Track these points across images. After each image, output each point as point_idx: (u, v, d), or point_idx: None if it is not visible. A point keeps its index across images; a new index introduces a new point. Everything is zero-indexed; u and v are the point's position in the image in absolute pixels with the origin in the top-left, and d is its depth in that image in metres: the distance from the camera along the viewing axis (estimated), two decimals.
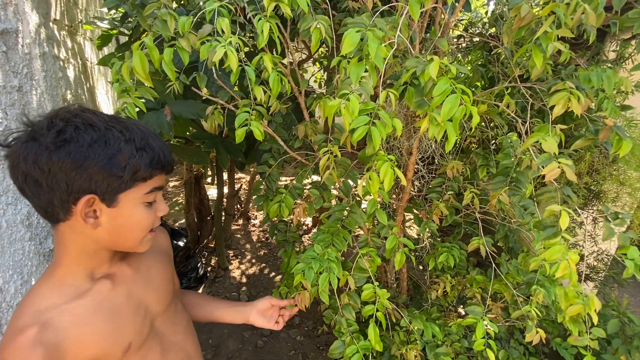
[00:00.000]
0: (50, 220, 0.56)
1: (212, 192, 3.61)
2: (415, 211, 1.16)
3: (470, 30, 1.63)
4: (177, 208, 3.85)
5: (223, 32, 0.70)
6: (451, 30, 0.99)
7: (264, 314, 0.88)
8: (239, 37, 0.73)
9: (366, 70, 0.66)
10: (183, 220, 3.34)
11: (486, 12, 1.72)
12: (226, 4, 0.74)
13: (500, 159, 0.97)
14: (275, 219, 1.09)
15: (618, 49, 1.39)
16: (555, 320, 1.40)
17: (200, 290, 2.59)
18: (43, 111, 1.55)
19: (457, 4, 1.05)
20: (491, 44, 1.31)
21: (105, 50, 2.45)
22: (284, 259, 1.11)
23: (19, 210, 0.99)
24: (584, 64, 1.36)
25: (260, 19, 0.76)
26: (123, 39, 2.61)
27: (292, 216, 0.98)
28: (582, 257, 2.03)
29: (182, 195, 4.16)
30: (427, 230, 1.13)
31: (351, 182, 0.98)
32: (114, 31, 2.19)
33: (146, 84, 0.70)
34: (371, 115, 0.63)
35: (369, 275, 0.84)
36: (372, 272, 0.87)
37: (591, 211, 1.83)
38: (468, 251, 1.15)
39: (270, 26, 0.76)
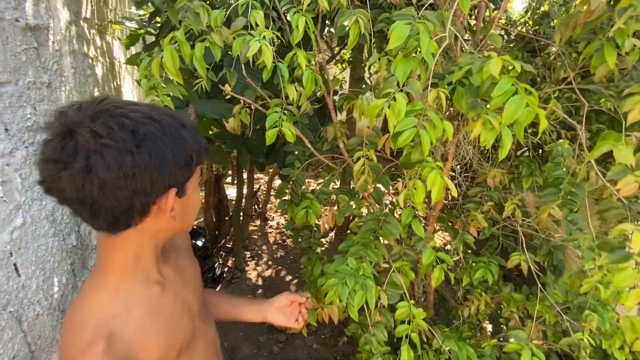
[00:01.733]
0: (119, 228, 0.52)
1: (230, 192, 3.61)
2: (449, 222, 1.08)
3: (510, 30, 1.53)
4: None
5: (257, 25, 0.65)
6: (499, 21, 0.92)
7: (283, 311, 0.84)
8: (272, 32, 0.68)
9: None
10: (201, 219, 3.35)
11: (526, 11, 1.61)
12: None
13: (549, 170, 0.88)
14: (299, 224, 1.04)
15: None
16: (597, 345, 1.27)
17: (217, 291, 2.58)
18: None
19: None
20: (535, 45, 1.21)
21: (133, 50, 2.49)
22: (307, 266, 1.06)
23: (44, 206, 0.98)
24: None
25: (295, 12, 0.71)
26: (150, 39, 2.64)
27: (318, 222, 0.93)
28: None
29: (201, 194, 4.19)
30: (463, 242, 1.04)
31: (383, 189, 0.91)
32: (142, 31, 2.21)
33: (175, 81, 0.66)
34: (419, 117, 0.57)
35: (403, 291, 0.77)
36: (406, 286, 0.80)
37: None
38: (507, 267, 1.06)
39: (305, 20, 0.71)
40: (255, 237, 3.36)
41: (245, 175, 2.89)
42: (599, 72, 0.67)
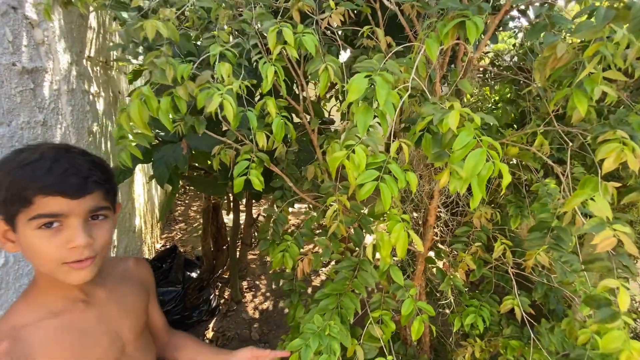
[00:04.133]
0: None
1: (231, 217, 3.59)
2: (437, 263, 1.03)
3: (498, 63, 1.53)
4: (195, 235, 3.86)
5: (223, 79, 0.66)
6: (477, 60, 0.92)
7: None
8: (242, 81, 0.69)
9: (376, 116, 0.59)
10: (199, 248, 3.32)
11: (514, 45, 1.63)
12: (230, 48, 0.70)
13: (536, 211, 0.85)
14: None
15: None
16: None
17: (211, 325, 2.49)
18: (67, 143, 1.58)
19: (483, 36, 0.97)
20: (521, 81, 1.21)
21: (138, 83, 2.58)
22: (289, 310, 1.01)
23: None
24: (627, 97, 1.22)
25: (265, 62, 0.72)
26: None
27: (297, 267, 0.89)
28: (636, 313, 1.75)
29: (202, 220, 4.19)
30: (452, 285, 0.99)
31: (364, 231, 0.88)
32: (146, 67, 2.29)
33: (144, 132, 0.66)
34: (381, 169, 0.55)
35: (381, 345, 0.72)
36: (385, 340, 0.75)
37: None
38: (500, 312, 1.00)
39: (275, 70, 0.71)
40: (254, 266, 3.30)
41: (242, 204, 2.87)
42: (574, 116, 0.66)
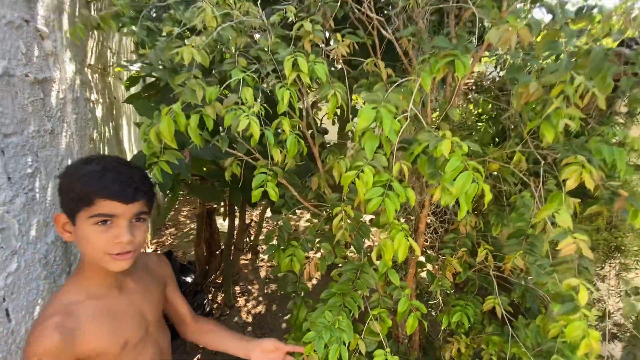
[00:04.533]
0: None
1: (222, 222, 3.64)
2: (428, 266, 1.14)
3: (480, 83, 1.68)
4: (186, 240, 3.87)
5: (247, 100, 0.75)
6: (464, 85, 1.04)
7: (268, 355, 0.90)
8: (261, 104, 0.78)
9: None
10: (192, 253, 3.34)
11: (495, 67, 1.78)
12: (250, 74, 0.80)
13: (514, 220, 0.97)
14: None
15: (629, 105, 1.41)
16: None
17: None
18: (70, 151, 1.64)
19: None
20: (502, 106, 1.35)
21: (132, 89, 2.61)
22: (293, 311, 1.10)
23: (38, 249, 1.02)
24: (594, 121, 1.38)
25: (281, 87, 0.81)
26: (149, 79, 2.78)
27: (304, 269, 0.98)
28: (608, 315, 1.92)
29: (192, 225, 4.20)
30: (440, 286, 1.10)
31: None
32: (142, 73, 2.34)
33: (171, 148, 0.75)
34: (385, 186, 0.65)
35: (380, 339, 0.82)
36: (383, 334, 0.85)
37: (614, 265, 1.75)
38: (483, 310, 1.11)
39: (290, 94, 0.81)
40: (246, 271, 3.35)
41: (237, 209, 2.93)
42: (544, 141, 0.78)
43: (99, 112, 2.23)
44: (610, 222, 1.55)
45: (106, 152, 2.27)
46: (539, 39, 0.84)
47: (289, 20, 0.91)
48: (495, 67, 1.79)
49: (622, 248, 1.72)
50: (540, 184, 0.97)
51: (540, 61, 0.79)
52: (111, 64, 2.51)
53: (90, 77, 2.07)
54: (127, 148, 2.86)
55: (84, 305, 0.71)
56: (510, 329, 1.11)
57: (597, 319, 1.80)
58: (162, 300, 0.91)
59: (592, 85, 0.68)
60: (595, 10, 0.82)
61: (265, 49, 0.86)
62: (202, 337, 0.97)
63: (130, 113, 3.12)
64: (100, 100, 2.32)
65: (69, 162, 1.54)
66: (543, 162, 1.00)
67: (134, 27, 1.02)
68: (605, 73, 0.75)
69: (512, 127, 1.34)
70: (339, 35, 0.87)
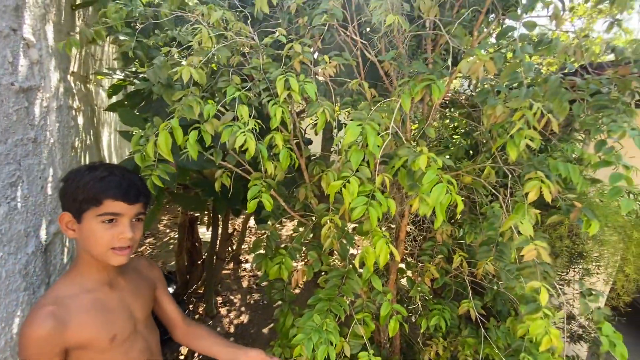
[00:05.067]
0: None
1: (203, 231, 3.59)
2: (408, 272, 1.21)
3: (454, 99, 1.80)
4: (166, 250, 3.79)
5: (242, 116, 0.80)
6: (439, 105, 1.13)
7: None
8: (255, 121, 0.83)
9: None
10: (172, 263, 3.27)
11: (469, 85, 1.92)
12: (244, 91, 0.85)
13: (485, 228, 1.06)
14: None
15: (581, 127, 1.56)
16: None
17: None
18: (52, 160, 1.62)
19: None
20: (473, 124, 1.46)
21: (114, 97, 2.58)
22: (279, 318, 1.13)
23: (18, 260, 1.01)
24: (556, 138, 1.51)
25: (273, 104, 0.87)
26: (131, 87, 2.76)
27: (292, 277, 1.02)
28: (573, 317, 2.05)
29: (172, 234, 4.11)
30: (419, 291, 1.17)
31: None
32: (126, 82, 2.34)
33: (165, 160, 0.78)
34: (369, 196, 0.72)
35: (364, 342, 0.87)
36: (367, 337, 0.90)
37: (577, 270, 1.89)
38: (459, 314, 1.19)
39: (282, 110, 0.87)
40: (229, 281, 3.32)
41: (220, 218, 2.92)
42: (509, 158, 0.87)
43: (80, 120, 2.20)
44: (571, 230, 1.69)
45: (87, 160, 2.23)
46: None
47: (279, 44, 0.98)
48: (469, 85, 1.92)
49: (584, 254, 1.86)
50: (508, 195, 1.07)
51: (504, 85, 0.89)
52: (93, 71, 2.49)
53: (73, 84, 2.05)
54: (107, 156, 2.81)
55: (77, 299, 0.77)
56: (483, 331, 1.19)
57: (563, 320, 1.93)
58: (151, 300, 0.96)
59: (549, 109, 0.78)
60: (552, 43, 0.93)
61: (258, 67, 0.92)
62: (192, 341, 1.01)
63: (111, 121, 3.07)
64: (82, 108, 2.29)
65: (51, 170, 1.52)
66: (510, 176, 1.10)
67: (124, 38, 1.05)
68: (561, 98, 0.86)
69: (484, 141, 1.46)
70: (326, 57, 0.94)
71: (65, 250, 1.61)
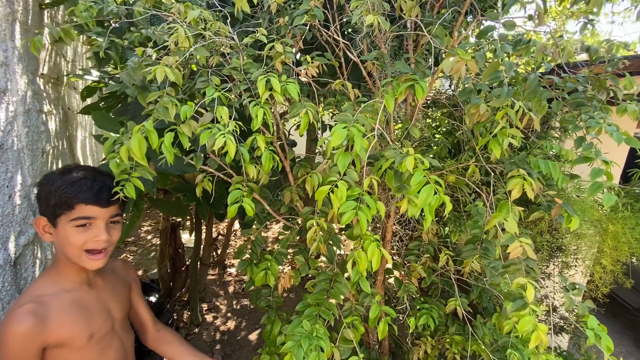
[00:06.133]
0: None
1: (186, 237, 3.50)
2: (395, 273, 1.21)
3: (436, 97, 1.82)
4: (147, 257, 3.66)
5: (222, 118, 0.77)
6: (422, 105, 1.13)
7: None
8: (235, 123, 0.80)
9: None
10: (154, 271, 3.17)
11: (450, 84, 1.94)
12: (224, 92, 0.82)
13: (470, 227, 1.06)
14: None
15: (560, 124, 1.61)
16: None
17: None
18: (21, 167, 1.52)
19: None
20: (455, 123, 1.48)
21: (88, 100, 2.47)
22: (266, 325, 1.10)
23: None
24: (534, 135, 1.54)
25: (255, 105, 0.84)
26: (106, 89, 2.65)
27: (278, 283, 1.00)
28: (554, 309, 2.11)
29: (153, 241, 3.98)
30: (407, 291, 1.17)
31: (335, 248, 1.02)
32: (102, 84, 2.24)
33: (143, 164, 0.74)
34: (357, 200, 0.70)
35: (354, 346, 0.85)
36: (356, 341, 0.88)
37: (557, 263, 1.95)
38: (446, 313, 1.19)
39: (264, 111, 0.84)
40: (214, 287, 3.24)
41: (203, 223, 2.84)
42: (492, 156, 0.88)
43: (52, 124, 2.09)
44: (551, 225, 1.73)
45: (59, 165, 2.12)
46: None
47: (260, 44, 0.95)
48: (450, 85, 1.95)
49: (563, 248, 1.92)
50: (491, 193, 1.08)
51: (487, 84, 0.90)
52: (66, 73, 2.38)
53: (43, 87, 1.94)
54: (82, 160, 2.69)
55: (56, 297, 0.77)
56: (470, 328, 1.20)
57: (545, 313, 1.98)
58: (127, 301, 0.97)
59: (528, 108, 0.79)
60: (530, 43, 0.94)
61: (238, 68, 0.89)
62: (160, 346, 1.01)
63: (85, 124, 2.94)
64: (54, 112, 2.18)
65: (19, 178, 1.44)
66: (493, 174, 1.11)
67: (97, 38, 1.00)
68: (539, 97, 0.87)
69: (466, 140, 1.48)
70: (308, 57, 0.92)
71: (37, 262, 1.52)
